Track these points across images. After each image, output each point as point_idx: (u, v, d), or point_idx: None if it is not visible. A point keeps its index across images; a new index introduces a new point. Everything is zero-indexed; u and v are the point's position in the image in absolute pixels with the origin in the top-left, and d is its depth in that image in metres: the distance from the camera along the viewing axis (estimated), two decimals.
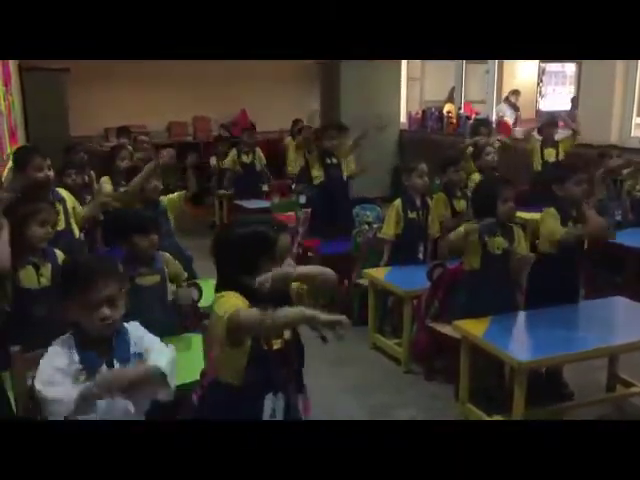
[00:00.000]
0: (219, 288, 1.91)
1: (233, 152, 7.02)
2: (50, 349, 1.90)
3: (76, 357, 1.86)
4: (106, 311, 1.86)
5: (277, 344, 1.87)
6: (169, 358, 1.94)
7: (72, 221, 3.48)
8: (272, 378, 1.87)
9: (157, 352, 1.96)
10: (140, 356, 1.98)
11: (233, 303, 1.78)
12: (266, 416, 1.85)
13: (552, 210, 3.28)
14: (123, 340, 1.97)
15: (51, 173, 3.41)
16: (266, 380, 1.85)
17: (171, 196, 3.95)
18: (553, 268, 3.25)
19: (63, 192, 3.57)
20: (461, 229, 3.22)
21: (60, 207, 3.40)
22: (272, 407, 1.85)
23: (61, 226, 3.35)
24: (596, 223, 3.23)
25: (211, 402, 1.91)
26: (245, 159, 6.95)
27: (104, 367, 1.89)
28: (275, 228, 1.88)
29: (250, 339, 1.82)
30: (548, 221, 3.27)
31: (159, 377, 1.88)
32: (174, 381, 1.92)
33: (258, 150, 7.09)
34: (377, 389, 3.64)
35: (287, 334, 1.91)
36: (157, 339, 2.06)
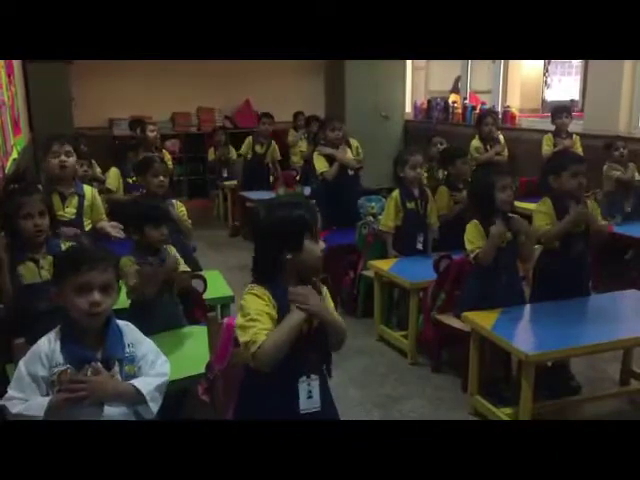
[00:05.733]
0: (258, 267, 1.96)
1: (249, 140, 6.99)
2: (34, 347, 1.88)
3: (59, 356, 1.85)
4: (97, 296, 1.85)
5: (304, 329, 1.89)
6: (157, 384, 1.93)
7: (85, 217, 3.49)
8: (303, 362, 1.90)
9: (146, 375, 1.95)
10: (132, 360, 1.95)
11: (253, 324, 1.81)
12: (303, 398, 1.89)
13: (546, 204, 3.22)
14: (116, 337, 1.94)
15: (71, 159, 3.46)
16: (297, 364, 1.88)
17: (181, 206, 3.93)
18: (559, 261, 3.22)
19: (87, 188, 3.61)
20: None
21: (74, 200, 3.45)
22: (308, 389, 1.90)
23: (70, 217, 3.39)
24: (578, 217, 3.15)
25: (248, 389, 1.95)
26: (259, 149, 6.91)
27: (98, 364, 1.87)
28: (313, 209, 1.96)
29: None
30: (536, 217, 3.25)
31: (138, 400, 1.88)
32: (158, 405, 1.92)
33: (274, 144, 7.02)
34: (383, 381, 3.62)
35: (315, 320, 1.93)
36: (157, 354, 2.03)
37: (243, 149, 7.00)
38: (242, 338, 1.82)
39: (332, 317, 1.93)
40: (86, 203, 3.51)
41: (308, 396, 1.90)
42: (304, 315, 1.84)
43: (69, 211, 3.41)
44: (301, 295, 1.85)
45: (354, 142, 5.61)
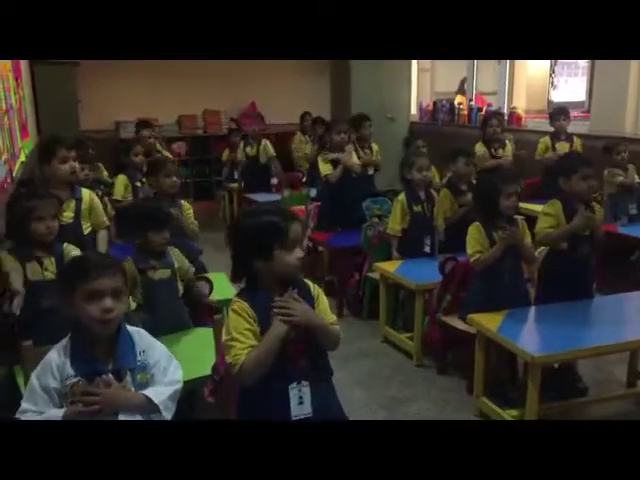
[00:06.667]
0: (235, 275, 2.00)
1: (242, 144, 7.00)
2: (44, 359, 1.87)
3: (69, 369, 1.83)
4: (109, 302, 1.82)
5: (291, 334, 1.89)
6: (169, 393, 1.92)
7: (83, 220, 3.47)
8: (293, 368, 1.90)
9: (159, 383, 1.93)
10: (144, 367, 1.92)
11: (233, 344, 1.85)
12: (294, 404, 1.89)
13: (554, 206, 3.20)
14: (127, 346, 1.91)
15: (76, 164, 3.44)
16: (286, 370, 1.89)
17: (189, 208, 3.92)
18: (565, 262, 3.20)
19: (85, 191, 3.56)
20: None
21: (72, 204, 3.41)
22: (299, 395, 1.90)
23: (67, 221, 3.34)
24: (585, 223, 3.14)
25: (244, 393, 1.95)
26: (249, 151, 6.89)
27: (110, 375, 1.86)
28: (288, 217, 1.95)
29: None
30: (541, 218, 3.23)
31: (152, 409, 1.87)
32: (171, 413, 1.91)
33: (265, 142, 6.96)
34: (388, 383, 3.61)
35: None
36: (169, 359, 2.00)
37: (239, 154, 7.00)
38: (226, 357, 1.87)
39: (320, 322, 1.94)
40: (83, 206, 3.47)
41: (299, 402, 1.90)
42: (286, 327, 1.85)
43: (66, 215, 3.35)
44: (284, 307, 1.87)
45: (375, 146, 5.62)
